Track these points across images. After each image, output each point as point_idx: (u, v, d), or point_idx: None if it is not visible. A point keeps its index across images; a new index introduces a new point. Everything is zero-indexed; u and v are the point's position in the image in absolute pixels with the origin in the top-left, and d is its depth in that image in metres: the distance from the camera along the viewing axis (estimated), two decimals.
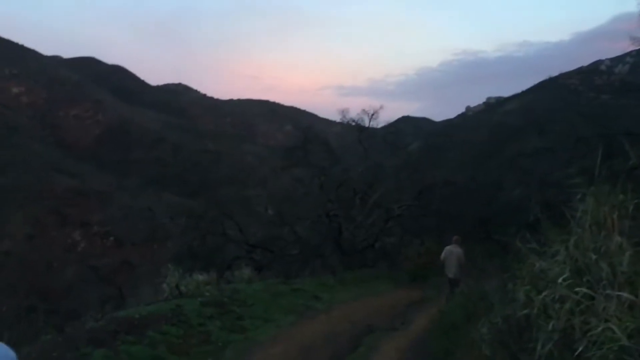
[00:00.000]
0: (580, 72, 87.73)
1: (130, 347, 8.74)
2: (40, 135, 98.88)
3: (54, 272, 66.24)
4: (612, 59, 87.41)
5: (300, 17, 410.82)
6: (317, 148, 35.16)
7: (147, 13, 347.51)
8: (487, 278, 8.12)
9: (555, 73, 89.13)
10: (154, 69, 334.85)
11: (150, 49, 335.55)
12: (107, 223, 79.13)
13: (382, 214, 29.75)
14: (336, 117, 37.48)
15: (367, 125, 34.13)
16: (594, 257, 3.73)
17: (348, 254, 27.57)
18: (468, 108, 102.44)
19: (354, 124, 34.56)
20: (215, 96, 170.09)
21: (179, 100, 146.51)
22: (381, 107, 35.56)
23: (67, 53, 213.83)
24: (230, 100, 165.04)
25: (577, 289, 3.62)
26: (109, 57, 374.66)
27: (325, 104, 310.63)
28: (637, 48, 27.65)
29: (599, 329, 3.25)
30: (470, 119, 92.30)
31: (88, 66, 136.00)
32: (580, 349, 3.35)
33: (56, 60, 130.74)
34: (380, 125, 36.23)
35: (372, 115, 33.99)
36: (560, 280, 3.79)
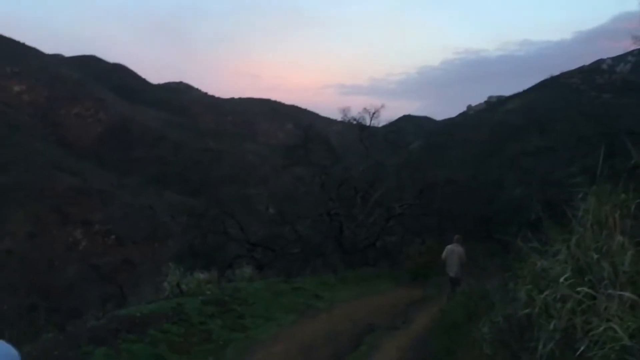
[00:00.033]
0: (581, 71, 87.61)
1: (131, 346, 8.75)
2: (41, 133, 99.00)
3: (55, 270, 66.32)
4: (613, 58, 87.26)
5: (301, 16, 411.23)
6: (318, 147, 35.12)
7: (148, 11, 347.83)
8: (488, 277, 8.11)
9: (556, 72, 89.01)
10: (155, 68, 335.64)
11: (151, 47, 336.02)
12: (108, 221, 79.22)
13: (383, 213, 29.75)
14: (337, 116, 37.40)
15: (368, 124, 34.11)
16: (595, 256, 3.72)
17: (349, 252, 27.58)
18: (469, 107, 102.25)
19: (355, 122, 34.52)
20: (217, 95, 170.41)
21: (180, 98, 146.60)
22: (382, 106, 35.53)
23: (69, 51, 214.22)
24: (232, 99, 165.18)
25: (578, 289, 3.61)
26: (110, 55, 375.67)
27: (326, 103, 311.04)
28: (638, 47, 27.58)
29: (601, 328, 3.24)
30: (471, 118, 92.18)
31: (89, 65, 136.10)
32: (581, 348, 3.34)
33: (57, 58, 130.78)
34: (381, 124, 36.20)
35: (374, 114, 33.98)
36: (561, 279, 3.78)
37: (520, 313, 4.39)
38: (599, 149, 4.64)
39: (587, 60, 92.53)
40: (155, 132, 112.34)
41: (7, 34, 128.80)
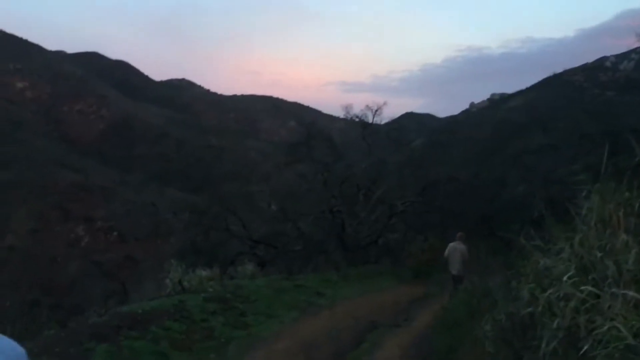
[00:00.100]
0: (584, 68, 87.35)
1: (133, 343, 8.76)
2: (44, 130, 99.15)
3: (57, 267, 66.44)
4: (617, 56, 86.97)
5: (303, 12, 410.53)
6: (321, 144, 35.12)
7: (150, 8, 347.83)
8: (490, 275, 8.10)
9: (559, 69, 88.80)
10: (158, 65, 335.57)
11: (153, 44, 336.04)
12: (110, 218, 79.32)
13: (386, 210, 29.73)
14: (340, 113, 37.46)
15: (370, 121, 34.10)
16: (599, 254, 3.69)
17: (351, 250, 27.58)
18: (472, 104, 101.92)
19: (357, 120, 34.51)
20: (219, 92, 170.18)
21: (182, 95, 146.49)
22: (385, 103, 35.57)
23: (71, 48, 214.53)
24: (234, 96, 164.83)
25: (582, 287, 3.59)
26: (113, 52, 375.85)
27: (328, 100, 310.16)
28: None
29: (605, 327, 3.22)
30: (474, 116, 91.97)
31: (92, 61, 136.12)
32: (585, 347, 3.32)
33: (60, 55, 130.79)
34: (383, 122, 36.15)
35: (376, 111, 33.97)
36: (565, 278, 3.76)
37: (523, 311, 4.37)
38: (602, 146, 4.61)
39: (590, 58, 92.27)
40: (157, 129, 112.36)
41: (10, 30, 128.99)
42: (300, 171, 34.35)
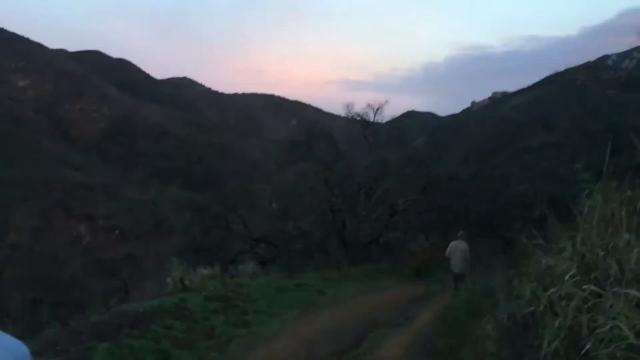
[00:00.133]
0: (587, 67, 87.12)
1: (134, 341, 8.75)
2: (45, 128, 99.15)
3: (59, 265, 66.49)
4: (619, 54, 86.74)
5: (305, 11, 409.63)
6: (322, 142, 35.12)
7: (152, 6, 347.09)
8: (492, 274, 8.09)
9: (561, 68, 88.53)
10: (159, 63, 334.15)
11: (155, 42, 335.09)
12: (112, 216, 79.36)
13: (387, 209, 29.74)
14: (341, 112, 37.37)
15: (372, 119, 34.11)
16: (601, 253, 3.68)
17: (352, 248, 27.58)
18: (473, 103, 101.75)
19: (358, 118, 34.51)
20: (220, 90, 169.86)
21: (183, 94, 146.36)
22: (386, 102, 35.53)
23: (73, 46, 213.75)
24: (235, 94, 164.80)
25: (584, 286, 3.58)
26: (114, 50, 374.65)
27: (330, 98, 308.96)
28: None
29: (607, 327, 3.21)
30: (475, 114, 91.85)
31: (93, 60, 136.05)
32: (587, 346, 3.31)
33: (61, 53, 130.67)
34: (385, 120, 36.13)
35: (377, 109, 33.98)
36: (567, 277, 3.75)
37: (525, 311, 4.36)
38: (604, 145, 4.59)
39: (593, 56, 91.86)
40: (159, 127, 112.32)
41: (12, 28, 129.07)
42: (301, 170, 34.36)
